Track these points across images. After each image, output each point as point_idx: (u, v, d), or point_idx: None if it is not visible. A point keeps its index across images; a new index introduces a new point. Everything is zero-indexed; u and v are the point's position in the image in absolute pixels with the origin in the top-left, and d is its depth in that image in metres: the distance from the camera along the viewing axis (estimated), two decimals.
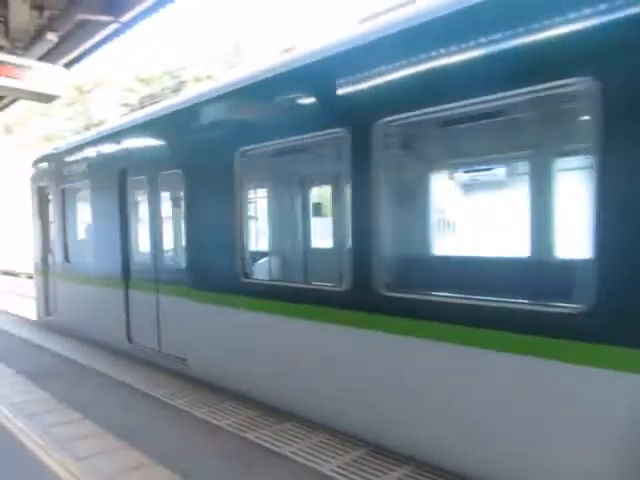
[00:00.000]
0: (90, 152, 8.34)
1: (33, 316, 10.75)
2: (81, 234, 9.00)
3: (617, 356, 2.76)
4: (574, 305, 2.94)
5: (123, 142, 7.47)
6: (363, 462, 3.89)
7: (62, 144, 9.96)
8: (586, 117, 2.99)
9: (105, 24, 6.18)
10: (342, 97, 4.17)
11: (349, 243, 4.22)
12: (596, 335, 2.84)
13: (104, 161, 7.92)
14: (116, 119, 8.70)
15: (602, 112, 2.79)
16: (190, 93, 7.56)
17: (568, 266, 3.32)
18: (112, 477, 3.70)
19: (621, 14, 2.72)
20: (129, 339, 7.34)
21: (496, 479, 3.28)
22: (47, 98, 5.67)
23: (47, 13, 5.86)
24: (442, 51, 3.55)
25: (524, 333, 3.14)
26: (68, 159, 9.04)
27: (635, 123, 2.73)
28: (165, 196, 7.04)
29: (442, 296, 3.70)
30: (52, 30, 5.88)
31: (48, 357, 7.49)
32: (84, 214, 8.69)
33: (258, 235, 7.20)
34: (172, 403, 5.35)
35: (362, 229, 4.05)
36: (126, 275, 7.38)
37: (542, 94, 3.07)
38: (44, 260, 10.09)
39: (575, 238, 3.15)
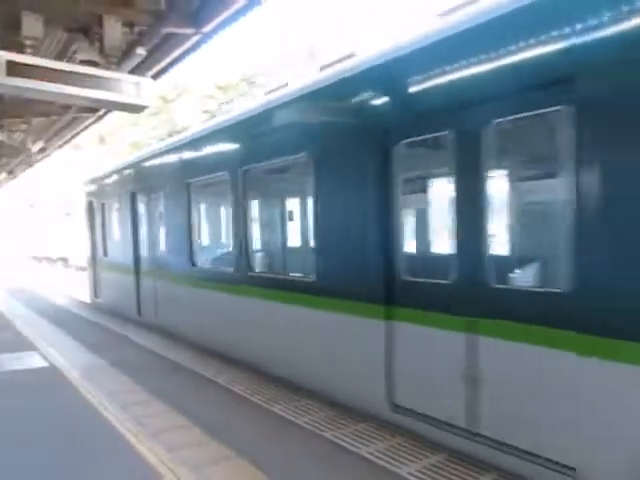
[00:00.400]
0: (114, 178, 11.78)
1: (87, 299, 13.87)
2: (113, 237, 11.84)
3: (328, 303, 5.21)
4: (311, 277, 5.52)
5: (132, 172, 10.65)
6: (442, 467, 3.82)
7: (100, 169, 13.45)
8: (310, 174, 5.44)
9: (188, 36, 6.48)
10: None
11: (234, 244, 6.94)
12: (319, 292, 5.35)
13: (122, 184, 11.12)
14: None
15: (315, 172, 5.35)
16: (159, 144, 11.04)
17: (311, 256, 5.57)
18: (200, 468, 3.89)
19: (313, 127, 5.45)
20: (139, 313, 10.18)
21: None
22: (137, 109, 6.04)
23: (137, 29, 6.26)
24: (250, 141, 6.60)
25: (297, 292, 5.73)
26: (103, 182, 12.51)
27: (329, 181, 5.25)
28: (158, 211, 9.41)
29: (265, 272, 7.07)
30: (141, 45, 6.26)
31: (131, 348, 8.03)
32: (114, 222, 11.71)
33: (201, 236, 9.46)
34: (251, 399, 5.53)
35: (238, 235, 6.81)
36: (137, 267, 10.19)
37: (297, 161, 5.79)
38: (93, 256, 13.33)
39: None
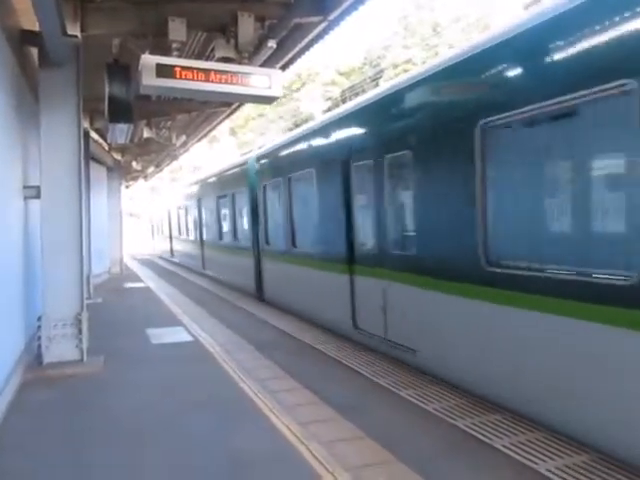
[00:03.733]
0: (196, 187, 17.84)
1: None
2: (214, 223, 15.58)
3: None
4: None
5: (214, 182, 15.33)
6: (586, 467, 3.53)
7: (197, 175, 20.84)
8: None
9: (315, 24, 6.59)
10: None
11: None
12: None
13: (210, 190, 15.67)
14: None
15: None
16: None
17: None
18: (330, 444, 4.05)
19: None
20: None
21: None
22: (269, 100, 6.34)
23: (267, 23, 6.52)
24: None
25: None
26: (196, 185, 18.06)
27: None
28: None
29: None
30: (271, 37, 6.52)
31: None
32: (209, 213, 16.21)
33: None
34: (377, 381, 5.58)
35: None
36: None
37: None
38: (201, 236, 17.23)
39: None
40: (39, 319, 6.34)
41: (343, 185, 7.08)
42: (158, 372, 6.22)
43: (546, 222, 4.34)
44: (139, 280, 16.69)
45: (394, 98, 5.95)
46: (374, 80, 30.27)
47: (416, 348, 5.75)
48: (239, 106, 11.49)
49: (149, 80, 5.58)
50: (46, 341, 6.27)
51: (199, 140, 16.14)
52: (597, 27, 3.58)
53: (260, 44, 6.67)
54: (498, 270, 4.39)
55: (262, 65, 7.08)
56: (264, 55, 6.86)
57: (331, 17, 6.43)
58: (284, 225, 9.62)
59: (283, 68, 8.19)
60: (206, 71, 5.77)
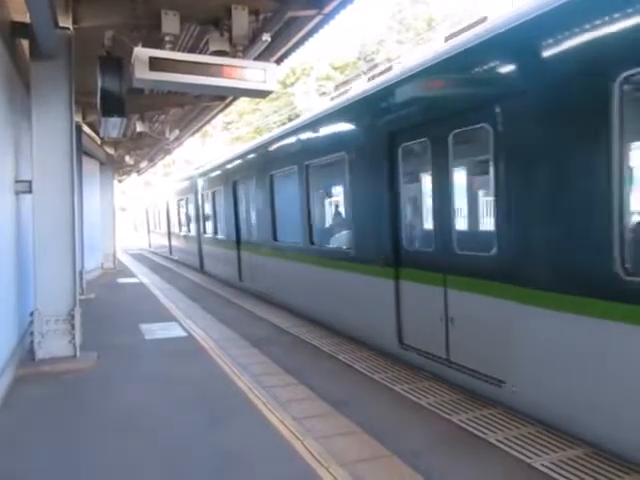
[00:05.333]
0: (165, 191, 22.46)
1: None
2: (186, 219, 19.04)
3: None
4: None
5: (176, 188, 19.99)
6: (581, 462, 3.55)
7: (174, 177, 24.53)
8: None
9: (310, 18, 6.56)
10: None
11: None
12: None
13: (182, 190, 18.73)
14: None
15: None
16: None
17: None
18: (325, 439, 4.04)
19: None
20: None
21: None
22: (263, 94, 6.30)
23: (262, 16, 6.47)
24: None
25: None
26: (165, 189, 22.58)
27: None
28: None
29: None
30: (266, 31, 6.46)
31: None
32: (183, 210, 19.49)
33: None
34: (372, 376, 5.59)
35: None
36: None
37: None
38: (169, 229, 22.11)
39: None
40: (31, 314, 6.29)
41: (234, 199, 12.04)
42: (152, 368, 6.19)
43: (278, 224, 9.55)
44: (132, 275, 16.61)
45: (248, 154, 11.24)
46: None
47: (263, 288, 10.62)
48: (233, 100, 11.42)
49: (142, 73, 5.51)
50: (39, 337, 6.22)
51: (193, 134, 16.03)
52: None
53: (254, 37, 6.60)
54: (277, 243, 9.54)
55: (256, 59, 7.02)
56: (258, 49, 6.81)
57: (326, 10, 6.39)
58: (211, 221, 15.01)
59: (278, 62, 8.14)
60: (200, 64, 5.70)
